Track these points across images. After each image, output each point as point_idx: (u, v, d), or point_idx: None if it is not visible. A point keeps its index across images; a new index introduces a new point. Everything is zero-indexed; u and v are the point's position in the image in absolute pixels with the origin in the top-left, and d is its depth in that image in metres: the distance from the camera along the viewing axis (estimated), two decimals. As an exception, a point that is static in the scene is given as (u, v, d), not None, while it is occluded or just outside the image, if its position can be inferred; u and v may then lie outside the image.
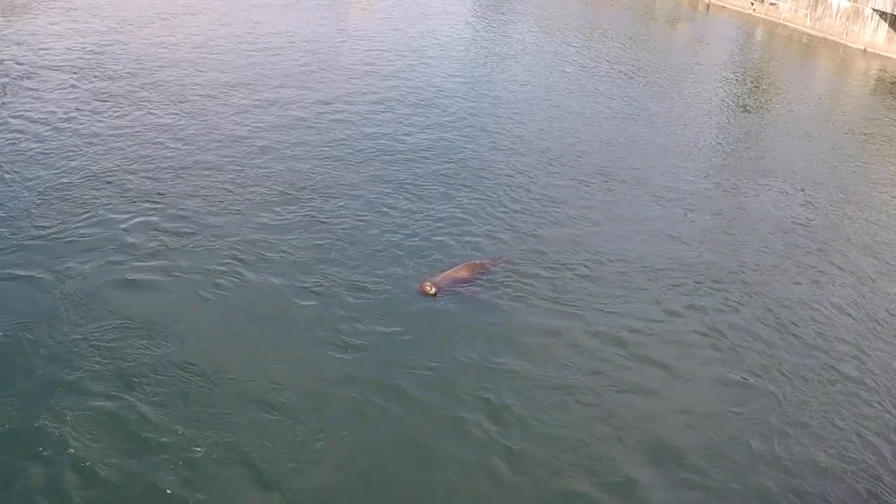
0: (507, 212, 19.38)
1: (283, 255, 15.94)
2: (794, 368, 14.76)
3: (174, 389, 11.81)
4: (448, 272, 15.62)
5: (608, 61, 39.09)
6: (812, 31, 56.01)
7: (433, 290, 14.77)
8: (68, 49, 28.20)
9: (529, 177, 21.85)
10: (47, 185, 17.66)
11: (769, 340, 15.56)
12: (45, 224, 15.95)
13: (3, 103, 22.34)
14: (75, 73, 25.72)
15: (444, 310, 14.69)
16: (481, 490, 11.00)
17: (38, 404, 11.17)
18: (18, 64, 25.81)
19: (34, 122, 21.23)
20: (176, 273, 14.86)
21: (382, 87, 28.97)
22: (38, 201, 16.85)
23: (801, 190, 24.44)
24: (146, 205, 17.34)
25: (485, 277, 15.91)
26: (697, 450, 12.33)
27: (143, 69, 27.05)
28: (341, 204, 18.60)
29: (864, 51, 51.51)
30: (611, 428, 12.51)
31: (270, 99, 25.85)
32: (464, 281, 15.50)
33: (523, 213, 19.45)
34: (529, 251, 17.51)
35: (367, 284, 15.14)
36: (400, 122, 25.15)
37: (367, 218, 18.01)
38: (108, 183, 18.18)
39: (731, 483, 11.80)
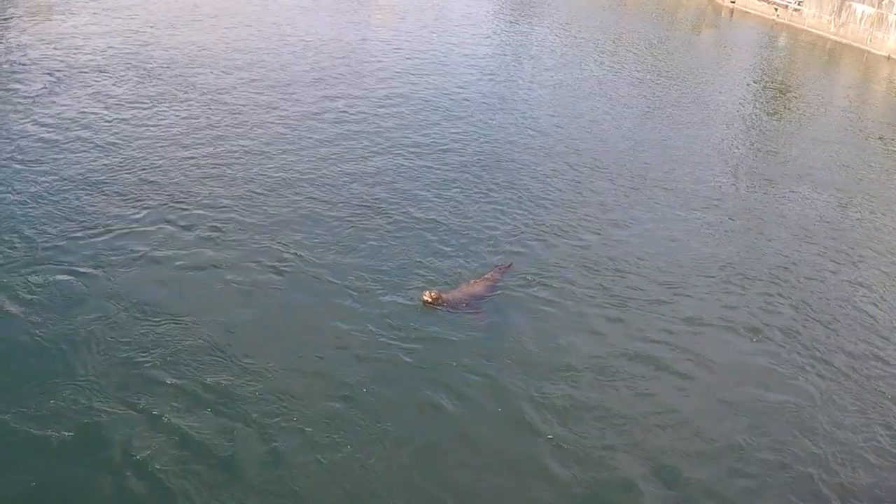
0: (533, 217, 19.59)
1: (319, 252, 16.35)
2: (833, 367, 15.15)
3: (227, 383, 12.21)
4: (462, 287, 15.40)
5: (632, 66, 39.27)
6: (836, 38, 55.87)
7: (430, 298, 14.57)
8: (101, 49, 28.72)
9: (554, 182, 22.11)
10: (87, 184, 18.13)
11: (807, 340, 15.91)
12: (88, 221, 16.42)
13: (40, 103, 22.82)
14: (109, 73, 26.23)
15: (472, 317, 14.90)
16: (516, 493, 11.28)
17: (97, 398, 11.56)
18: (53, 64, 26.32)
19: (71, 121, 21.72)
20: (216, 270, 15.30)
21: (407, 88, 29.30)
22: (79, 200, 17.31)
23: (827, 195, 24.58)
24: (183, 203, 17.79)
25: (505, 286, 15.99)
26: (740, 447, 12.67)
27: (175, 70, 27.51)
28: (371, 203, 19.00)
29: (888, 57, 51.36)
30: (653, 425, 12.83)
31: (300, 101, 26.25)
32: (475, 296, 15.25)
33: (549, 218, 19.68)
34: (558, 256, 17.75)
35: (396, 287, 15.43)
36: (425, 125, 25.49)
37: (391, 219, 18.32)
38: (146, 181, 18.66)
39: (775, 478, 12.16)
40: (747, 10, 63.49)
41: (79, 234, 15.87)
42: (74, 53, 27.98)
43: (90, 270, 14.59)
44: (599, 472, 11.67)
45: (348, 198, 19.22)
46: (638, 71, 38.27)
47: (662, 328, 15.51)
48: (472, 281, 15.78)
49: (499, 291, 15.73)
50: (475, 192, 20.57)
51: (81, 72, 26.06)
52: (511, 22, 47.88)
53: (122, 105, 23.59)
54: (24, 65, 25.94)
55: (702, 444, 12.63)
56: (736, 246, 19.85)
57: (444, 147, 23.70)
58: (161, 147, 20.81)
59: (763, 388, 14.29)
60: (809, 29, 58.04)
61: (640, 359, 14.43)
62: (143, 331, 13.07)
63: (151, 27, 33.20)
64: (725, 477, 12.01)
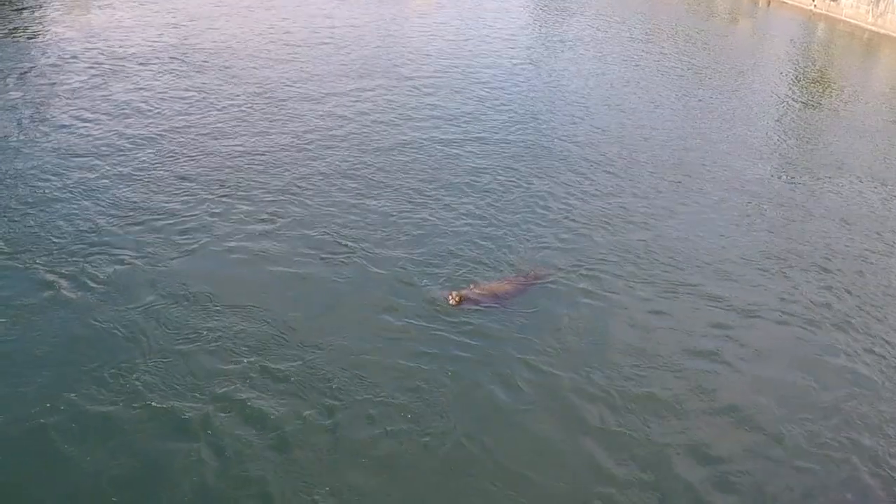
0: (574, 208, 19.58)
1: (364, 244, 16.54)
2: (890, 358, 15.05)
3: (285, 369, 12.41)
4: (488, 287, 15.27)
5: (669, 57, 39.08)
6: (874, 28, 55.15)
7: (454, 301, 14.53)
8: (141, 43, 29.17)
9: (594, 173, 22.04)
10: (134, 176, 18.48)
11: (860, 331, 15.82)
12: (137, 213, 16.71)
13: (84, 97, 23.19)
14: (151, 66, 26.63)
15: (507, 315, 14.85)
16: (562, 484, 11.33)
17: (162, 384, 11.81)
18: (96, 57, 26.74)
19: (116, 114, 22.10)
20: (267, 260, 15.56)
21: (447, 80, 29.43)
22: (128, 191, 17.63)
23: (868, 185, 24.34)
24: (231, 195, 18.04)
25: (538, 285, 15.88)
26: (795, 439, 12.61)
27: (216, 62, 27.84)
28: (414, 195, 19.15)
29: (929, 47, 50.69)
30: (706, 416, 12.83)
31: (341, 92, 26.46)
32: (500, 297, 15.11)
33: (591, 209, 19.65)
34: (601, 248, 17.72)
35: (438, 279, 15.52)
36: (465, 116, 25.57)
37: (432, 210, 18.43)
38: (192, 173, 18.95)
39: (831, 470, 12.13)
40: (784, 0, 62.86)
41: (129, 226, 16.14)
42: (116, 47, 28.38)
43: (143, 261, 14.84)
44: (653, 465, 11.66)
45: (391, 189, 19.33)
46: (675, 62, 38.07)
47: (712, 319, 15.45)
48: (500, 282, 15.71)
49: (525, 294, 15.51)
50: (515, 184, 20.59)
51: (124, 65, 26.42)
52: (547, 13, 47.83)
53: (165, 98, 23.91)
54: (66, 59, 26.35)
55: (756, 435, 12.58)
56: (781, 236, 19.73)
57: (484, 139, 23.74)
58: (205, 139, 21.07)
59: (819, 379, 14.20)
60: (847, 19, 57.35)
61: (691, 350, 14.40)
62: (199, 319, 13.31)
63: (191, 20, 33.59)
64: (780, 470, 11.95)
